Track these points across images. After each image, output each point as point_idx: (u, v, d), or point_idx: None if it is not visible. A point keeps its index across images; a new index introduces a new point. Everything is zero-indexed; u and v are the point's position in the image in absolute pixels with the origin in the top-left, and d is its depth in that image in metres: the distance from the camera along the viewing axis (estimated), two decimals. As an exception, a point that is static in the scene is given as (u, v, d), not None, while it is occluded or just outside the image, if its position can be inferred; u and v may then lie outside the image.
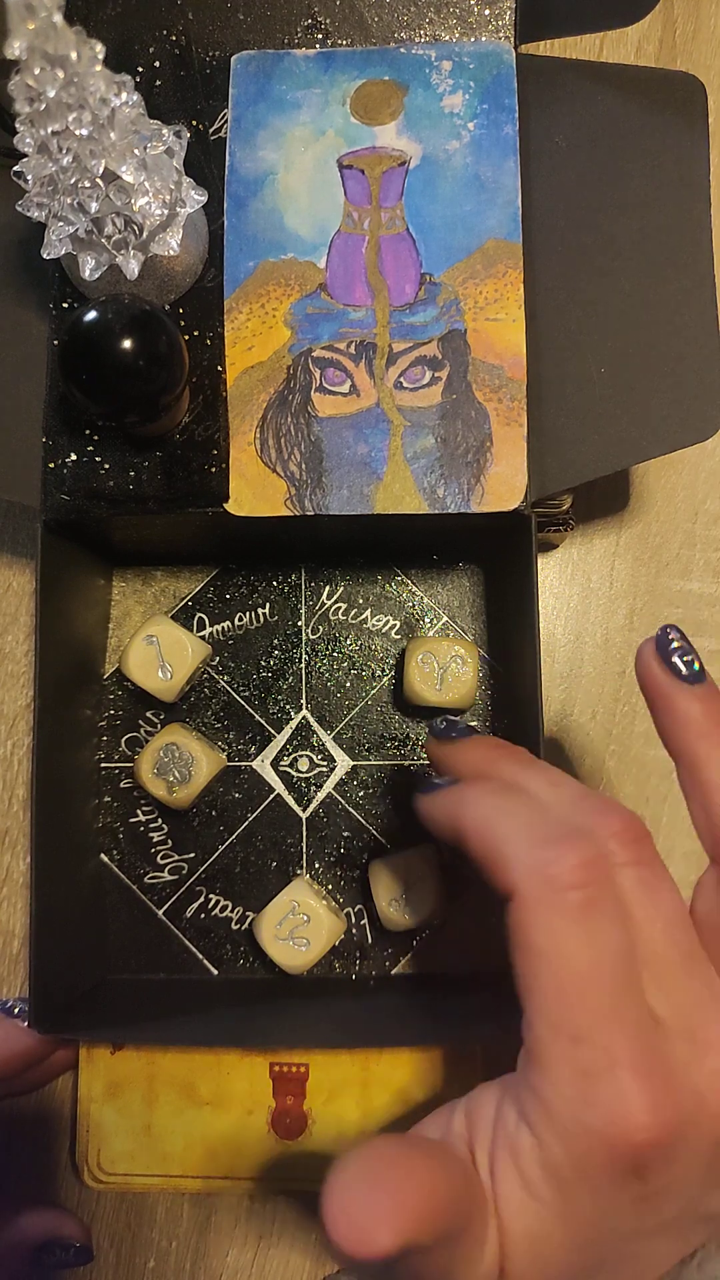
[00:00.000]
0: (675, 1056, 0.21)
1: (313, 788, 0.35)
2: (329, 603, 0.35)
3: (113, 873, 0.35)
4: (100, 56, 0.24)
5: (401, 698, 0.34)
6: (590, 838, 0.22)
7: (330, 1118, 0.33)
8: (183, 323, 0.30)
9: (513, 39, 0.31)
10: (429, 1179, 0.20)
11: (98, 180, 0.25)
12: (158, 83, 0.31)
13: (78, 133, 0.24)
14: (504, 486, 0.29)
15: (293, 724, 0.35)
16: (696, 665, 0.24)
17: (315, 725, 0.35)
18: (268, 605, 0.36)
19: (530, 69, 0.31)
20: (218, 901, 0.34)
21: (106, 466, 0.29)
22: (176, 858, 0.35)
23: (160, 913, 0.34)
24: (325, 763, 0.35)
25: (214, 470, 0.29)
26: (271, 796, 0.35)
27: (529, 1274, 0.21)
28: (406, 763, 0.35)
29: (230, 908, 0.34)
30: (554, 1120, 0.20)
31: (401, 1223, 0.19)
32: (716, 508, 0.37)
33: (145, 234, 0.27)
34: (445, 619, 0.35)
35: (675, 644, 0.25)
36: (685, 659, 0.24)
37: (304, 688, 0.35)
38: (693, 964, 0.22)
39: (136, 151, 0.26)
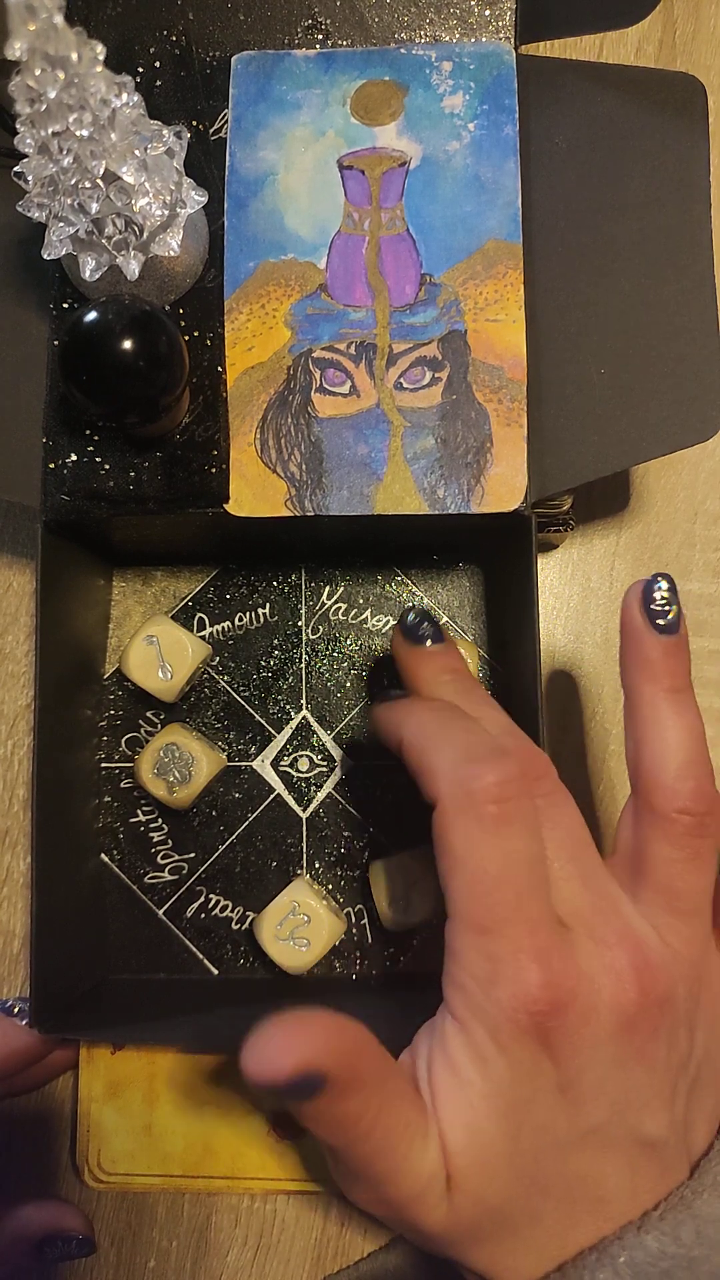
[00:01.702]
0: (574, 948, 0.23)
1: (313, 788, 0.35)
2: (329, 603, 0.36)
3: (113, 873, 0.35)
4: (100, 57, 0.24)
5: (401, 698, 0.34)
6: (512, 759, 0.24)
7: (330, 1118, 0.33)
8: (183, 323, 0.30)
9: (513, 40, 0.31)
10: (334, 1023, 0.22)
11: (98, 181, 0.25)
12: (158, 83, 0.31)
13: (78, 133, 0.24)
14: (504, 487, 0.29)
15: (293, 724, 0.35)
16: (672, 615, 0.26)
17: (315, 725, 0.35)
18: (268, 605, 0.36)
19: (530, 69, 0.31)
20: (218, 901, 0.34)
21: (107, 467, 0.29)
22: (177, 858, 0.35)
23: (160, 913, 0.34)
24: (325, 763, 0.35)
25: (214, 471, 0.29)
26: (271, 796, 0.35)
27: (472, 1168, 0.22)
28: (406, 763, 0.35)
29: (230, 908, 0.34)
30: (469, 1001, 0.23)
31: (302, 1049, 0.21)
32: (716, 508, 0.37)
33: (145, 234, 0.27)
34: (445, 619, 0.35)
35: (660, 594, 0.26)
36: (664, 608, 0.26)
37: (304, 688, 0.35)
38: (594, 877, 0.25)
39: (137, 152, 0.26)
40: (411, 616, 0.29)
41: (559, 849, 0.25)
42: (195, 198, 0.28)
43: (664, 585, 0.26)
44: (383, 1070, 0.23)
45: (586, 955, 0.23)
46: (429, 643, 0.29)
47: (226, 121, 0.31)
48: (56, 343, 0.30)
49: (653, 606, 0.26)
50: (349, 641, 0.35)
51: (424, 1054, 0.24)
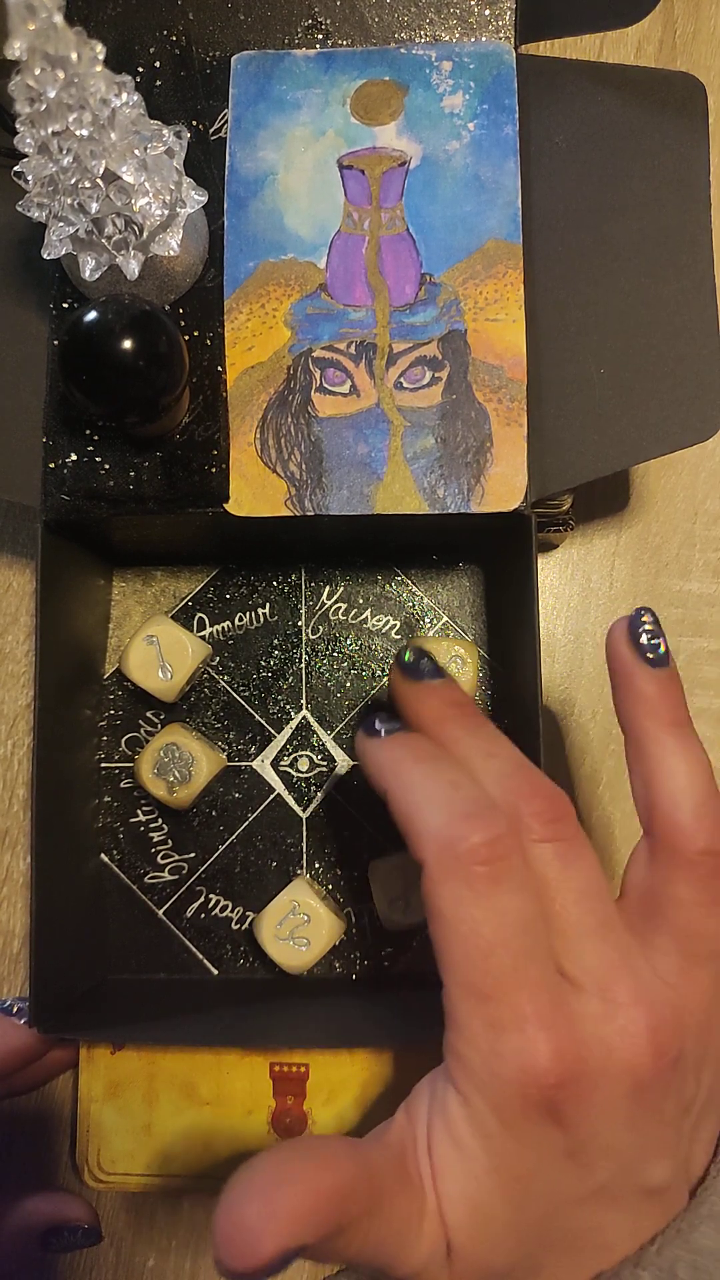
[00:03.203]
0: (584, 1012, 0.22)
1: (313, 788, 0.35)
2: (329, 603, 0.36)
3: (113, 873, 0.35)
4: (100, 57, 0.24)
5: (401, 698, 0.34)
6: (500, 815, 0.23)
7: (330, 1118, 0.33)
8: (183, 323, 0.30)
9: (513, 39, 0.31)
10: (309, 1178, 0.20)
11: (98, 181, 0.25)
12: (158, 83, 0.31)
13: (78, 133, 0.24)
14: (504, 487, 0.29)
15: (293, 724, 0.35)
16: (662, 649, 0.26)
17: (315, 725, 0.35)
18: (268, 605, 0.36)
19: (530, 69, 0.31)
20: (218, 901, 0.34)
21: (107, 467, 0.29)
22: (176, 858, 0.35)
23: (160, 913, 0.34)
24: (325, 763, 0.35)
25: (214, 470, 0.29)
26: (271, 796, 0.35)
27: (474, 1242, 0.22)
28: (406, 763, 0.35)
29: (230, 908, 0.34)
30: (471, 1074, 0.22)
31: (280, 1228, 0.19)
32: (716, 508, 0.37)
33: (145, 234, 0.27)
34: (445, 619, 0.35)
35: (646, 627, 0.26)
36: (653, 642, 0.26)
37: (304, 688, 0.35)
38: (607, 930, 0.23)
39: (137, 152, 0.26)
40: (409, 654, 0.27)
41: (572, 900, 0.23)
42: (195, 197, 0.28)
43: (649, 618, 0.26)
44: (371, 1190, 0.21)
45: (597, 1019, 0.22)
46: (429, 678, 0.27)
47: (226, 121, 0.31)
48: (56, 343, 0.30)
49: (641, 641, 0.26)
50: (349, 641, 0.35)
51: (423, 1119, 0.23)
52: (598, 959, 0.23)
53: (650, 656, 0.26)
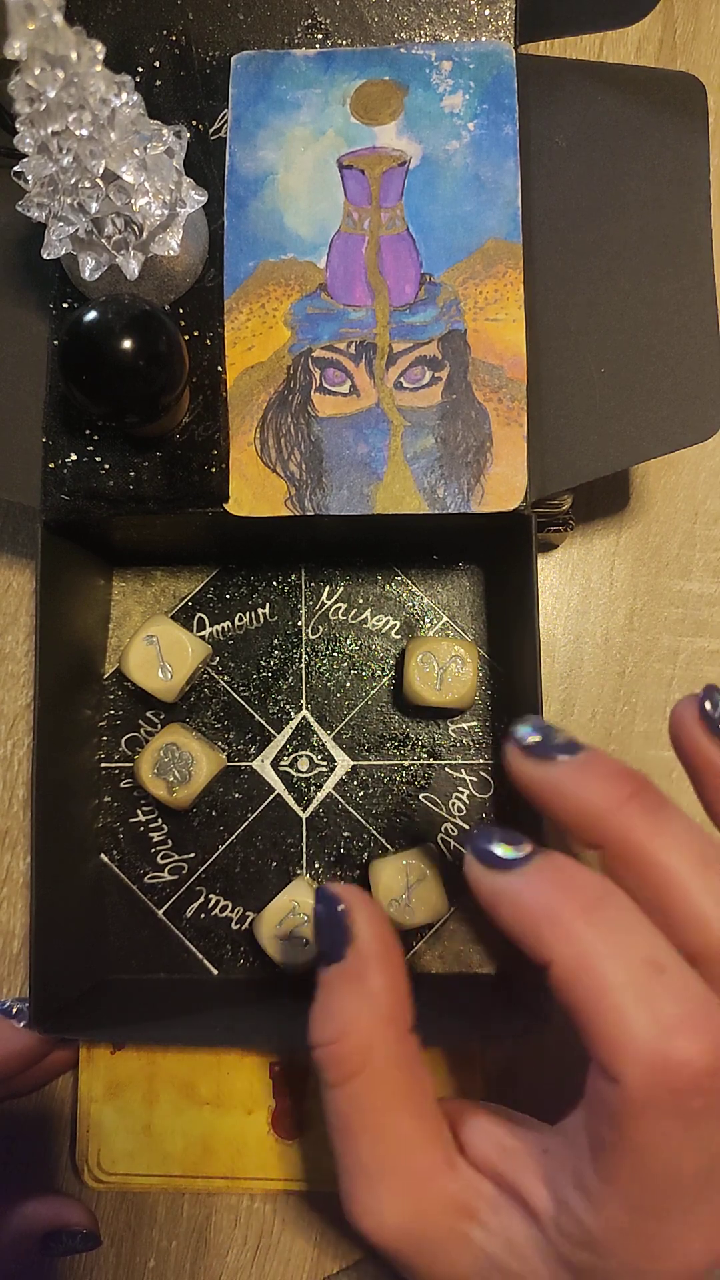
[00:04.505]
0: None
1: (313, 788, 0.35)
2: (329, 603, 0.36)
3: (113, 873, 0.35)
4: (100, 57, 0.24)
5: (401, 698, 0.34)
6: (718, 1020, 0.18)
7: (330, 1118, 0.33)
8: (183, 323, 0.30)
9: (513, 39, 0.31)
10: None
11: (98, 180, 0.25)
12: (158, 83, 0.31)
13: (78, 133, 0.24)
14: (504, 486, 0.29)
15: (293, 724, 0.35)
16: None
17: (315, 725, 0.35)
18: (268, 605, 0.36)
19: (530, 69, 0.31)
20: (218, 901, 0.34)
21: (106, 467, 0.29)
22: (176, 858, 0.35)
23: (160, 913, 0.34)
24: (325, 763, 0.35)
25: (214, 470, 0.29)
26: (271, 796, 0.35)
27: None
28: (406, 763, 0.35)
29: (230, 908, 0.34)
30: (609, 1251, 0.20)
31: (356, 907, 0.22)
32: (716, 508, 0.37)
33: (145, 234, 0.27)
34: (445, 619, 0.35)
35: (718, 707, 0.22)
36: None
37: (304, 688, 0.35)
38: None
39: (136, 152, 0.26)
40: (527, 727, 0.21)
41: None
42: (195, 197, 0.28)
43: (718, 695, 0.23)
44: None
45: None
46: (569, 753, 0.21)
47: (226, 121, 0.31)
48: (56, 343, 0.30)
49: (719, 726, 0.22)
50: (349, 641, 0.35)
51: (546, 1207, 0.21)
52: None
53: None
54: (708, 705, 0.22)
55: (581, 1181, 0.20)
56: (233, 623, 0.36)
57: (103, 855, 0.35)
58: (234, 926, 0.34)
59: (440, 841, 0.34)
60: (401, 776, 0.35)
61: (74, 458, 0.30)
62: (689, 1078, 0.18)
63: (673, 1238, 0.19)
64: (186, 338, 0.29)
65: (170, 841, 0.35)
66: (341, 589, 0.36)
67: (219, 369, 0.30)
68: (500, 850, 0.20)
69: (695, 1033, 0.18)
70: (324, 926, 0.23)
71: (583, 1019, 0.19)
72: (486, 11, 0.31)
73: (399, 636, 0.35)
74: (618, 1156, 0.19)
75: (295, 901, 0.32)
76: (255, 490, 0.29)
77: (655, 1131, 0.18)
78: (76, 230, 0.26)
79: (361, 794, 0.35)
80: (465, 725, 0.35)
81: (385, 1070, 0.22)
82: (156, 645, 0.33)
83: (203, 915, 0.34)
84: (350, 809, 0.35)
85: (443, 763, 0.35)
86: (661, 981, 0.18)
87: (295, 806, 0.35)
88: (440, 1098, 0.24)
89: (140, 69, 0.31)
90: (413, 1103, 0.22)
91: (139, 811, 0.35)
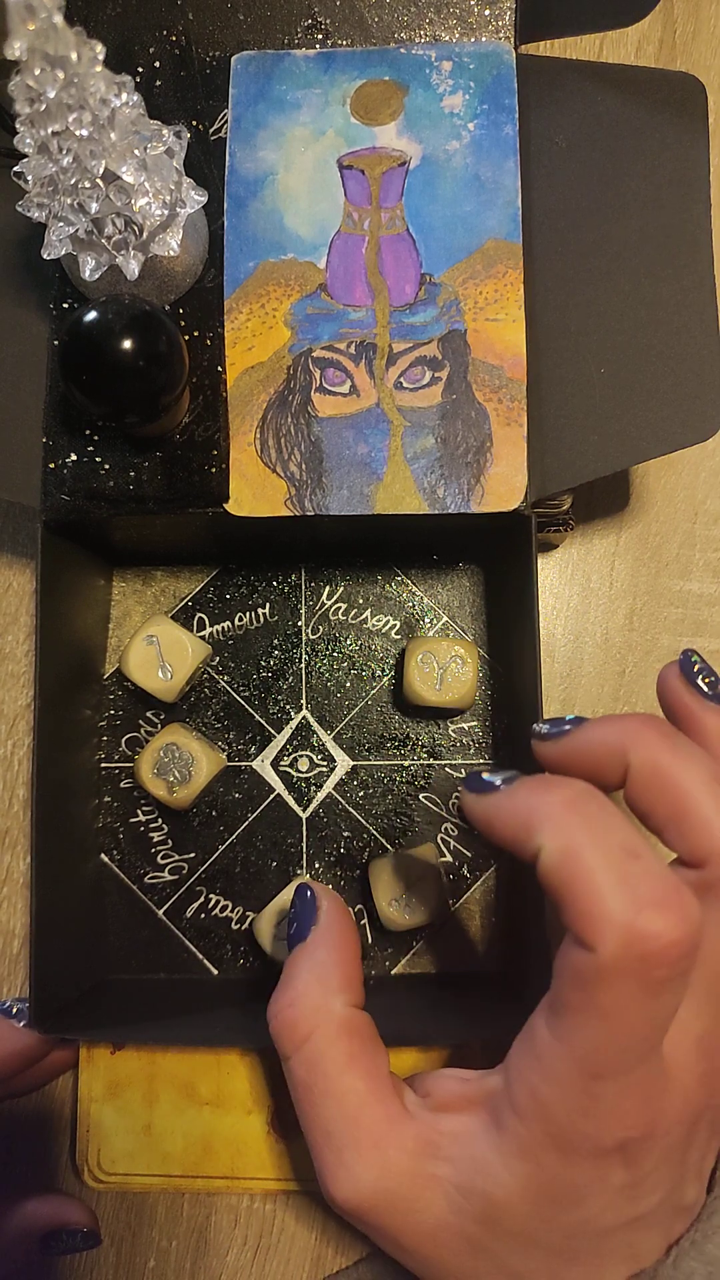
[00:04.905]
0: (672, 1086, 0.22)
1: (313, 788, 0.35)
2: (329, 603, 0.36)
3: (113, 873, 0.35)
4: (100, 57, 0.24)
5: (401, 698, 0.34)
6: (692, 902, 0.21)
7: (330, 1118, 0.32)
8: (183, 323, 0.30)
9: (513, 39, 0.31)
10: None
11: (98, 181, 0.25)
12: (158, 83, 0.31)
13: (78, 133, 0.24)
14: (504, 486, 0.29)
15: (293, 724, 0.35)
16: (719, 686, 0.26)
17: (315, 725, 0.35)
18: (268, 605, 0.36)
19: (530, 69, 0.31)
20: (218, 901, 0.34)
21: (107, 467, 0.29)
22: (176, 858, 0.35)
23: (160, 913, 0.34)
24: (325, 763, 0.35)
25: (214, 470, 0.29)
26: (271, 796, 0.35)
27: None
28: (406, 763, 0.35)
29: (230, 908, 0.34)
30: (550, 1120, 0.22)
31: None
32: (716, 508, 0.37)
33: (145, 234, 0.27)
34: (445, 619, 0.35)
35: (698, 666, 0.26)
36: (708, 680, 0.26)
37: (304, 688, 0.35)
38: None
39: (136, 152, 0.26)
40: (546, 727, 0.25)
41: (713, 981, 0.22)
42: (195, 197, 0.28)
43: (697, 657, 0.26)
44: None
45: (683, 1095, 0.22)
46: (573, 726, 0.25)
47: (226, 121, 0.31)
48: (56, 343, 0.30)
49: (698, 681, 0.26)
50: (349, 641, 0.35)
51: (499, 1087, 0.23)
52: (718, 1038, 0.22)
53: (709, 693, 0.26)
54: (693, 662, 0.26)
55: (534, 1047, 0.22)
56: (233, 623, 0.36)
57: (103, 855, 0.35)
58: (234, 926, 0.34)
59: (440, 841, 0.34)
60: (401, 776, 0.35)
61: (74, 458, 0.30)
62: (657, 949, 0.20)
63: (608, 1095, 0.21)
64: (186, 338, 0.29)
65: (170, 841, 0.35)
66: (341, 589, 0.36)
67: (219, 369, 0.30)
68: (489, 776, 0.24)
69: (666, 909, 0.20)
70: (298, 915, 0.26)
71: (566, 897, 0.21)
72: (486, 11, 0.31)
73: (399, 636, 0.35)
74: (578, 1018, 0.21)
75: (295, 901, 0.32)
76: (255, 490, 0.29)
77: (619, 994, 0.20)
78: (76, 230, 0.26)
79: (361, 794, 0.35)
80: (465, 725, 0.35)
81: (335, 1036, 0.24)
82: (156, 645, 0.33)
83: (203, 915, 0.34)
84: (350, 809, 0.35)
85: (443, 763, 0.35)
86: (638, 865, 0.21)
87: (295, 806, 0.35)
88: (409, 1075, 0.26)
89: (140, 69, 0.31)
90: (362, 1066, 0.24)
91: (139, 811, 0.35)
